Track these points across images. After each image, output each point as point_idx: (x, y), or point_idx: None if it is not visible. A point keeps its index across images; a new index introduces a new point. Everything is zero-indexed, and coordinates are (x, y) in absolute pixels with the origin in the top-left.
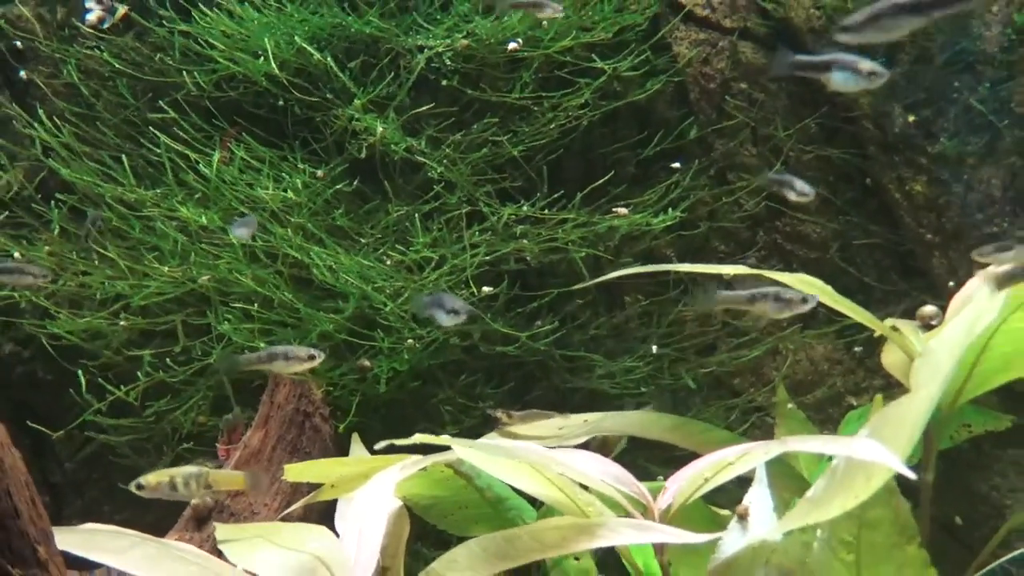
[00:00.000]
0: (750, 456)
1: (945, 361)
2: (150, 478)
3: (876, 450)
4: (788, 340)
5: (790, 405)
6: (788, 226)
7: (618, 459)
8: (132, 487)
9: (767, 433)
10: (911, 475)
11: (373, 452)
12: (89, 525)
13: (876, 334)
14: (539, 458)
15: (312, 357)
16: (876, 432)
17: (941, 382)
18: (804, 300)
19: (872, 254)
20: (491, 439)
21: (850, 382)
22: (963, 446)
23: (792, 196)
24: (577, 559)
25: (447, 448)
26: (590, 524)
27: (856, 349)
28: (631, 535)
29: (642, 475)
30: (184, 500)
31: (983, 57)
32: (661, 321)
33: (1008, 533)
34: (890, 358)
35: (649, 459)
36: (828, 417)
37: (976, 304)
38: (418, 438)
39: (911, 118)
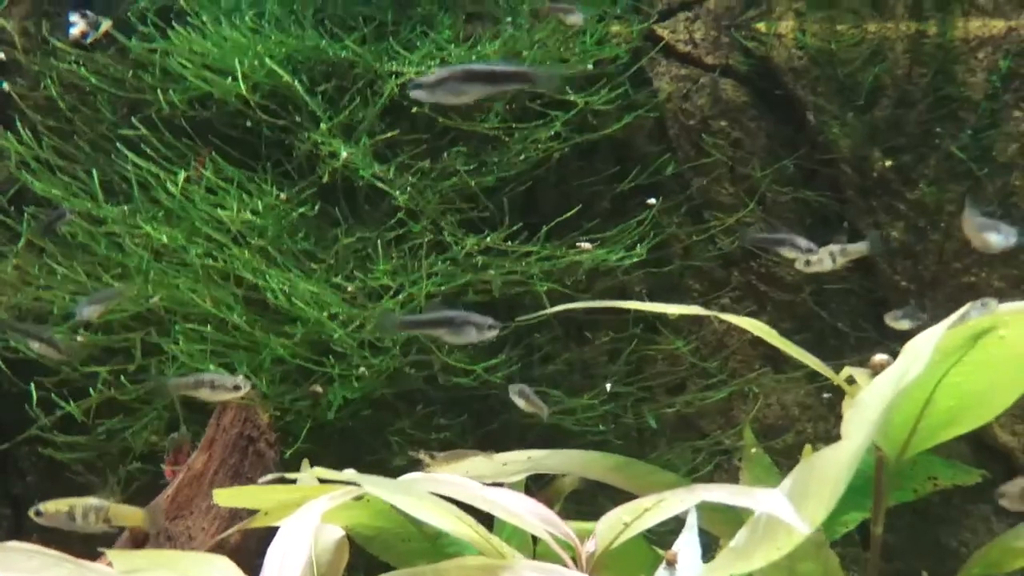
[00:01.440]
0: (667, 502)
1: (871, 412)
2: (49, 505)
3: (780, 506)
4: (758, 383)
5: (754, 449)
6: (763, 267)
7: (574, 497)
8: (31, 513)
9: (733, 476)
10: (805, 530)
11: (321, 481)
12: (11, 543)
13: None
14: (464, 493)
15: (237, 387)
16: (799, 483)
17: (867, 433)
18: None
19: (847, 299)
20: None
21: (820, 428)
22: (932, 500)
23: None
24: None
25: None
26: (493, 564)
27: (825, 396)
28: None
29: (601, 514)
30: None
31: (966, 103)
32: (629, 358)
33: None
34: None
35: (611, 498)
36: (796, 462)
37: (905, 355)
38: (317, 471)
39: (889, 163)
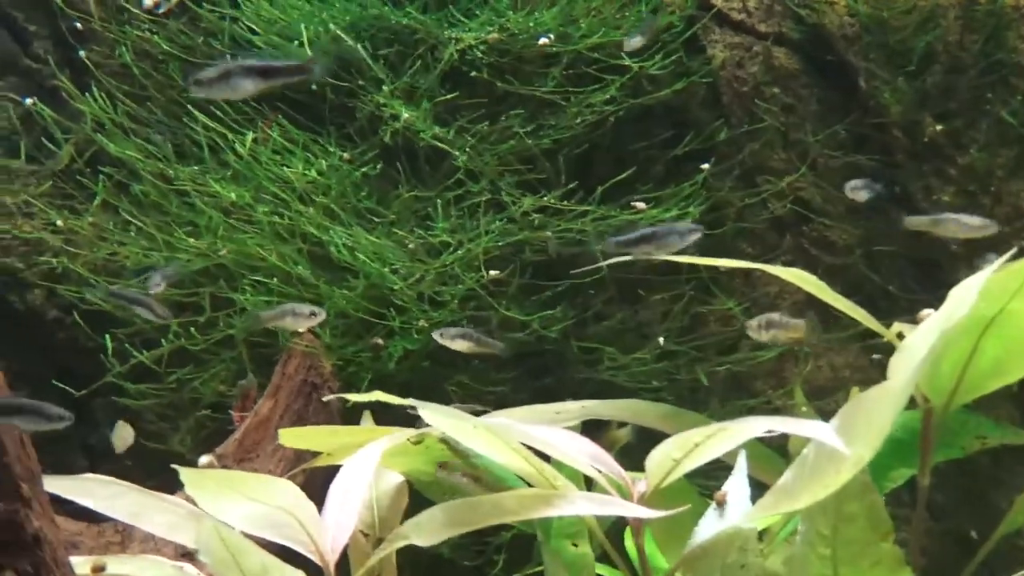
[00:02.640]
0: (718, 436)
1: (916, 352)
2: None
3: (828, 435)
4: (807, 345)
5: (805, 408)
6: (814, 231)
7: (624, 451)
8: None
9: (782, 436)
10: (846, 451)
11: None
12: (88, 475)
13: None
14: (516, 432)
15: (314, 314)
16: (846, 422)
17: (912, 372)
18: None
19: (896, 263)
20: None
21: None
22: (982, 459)
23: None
24: (575, 545)
25: None
26: (549, 494)
27: (875, 357)
28: (588, 507)
29: None
30: None
31: (1017, 69)
32: (681, 318)
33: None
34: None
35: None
36: None
37: (950, 301)
38: (377, 395)
39: (940, 127)
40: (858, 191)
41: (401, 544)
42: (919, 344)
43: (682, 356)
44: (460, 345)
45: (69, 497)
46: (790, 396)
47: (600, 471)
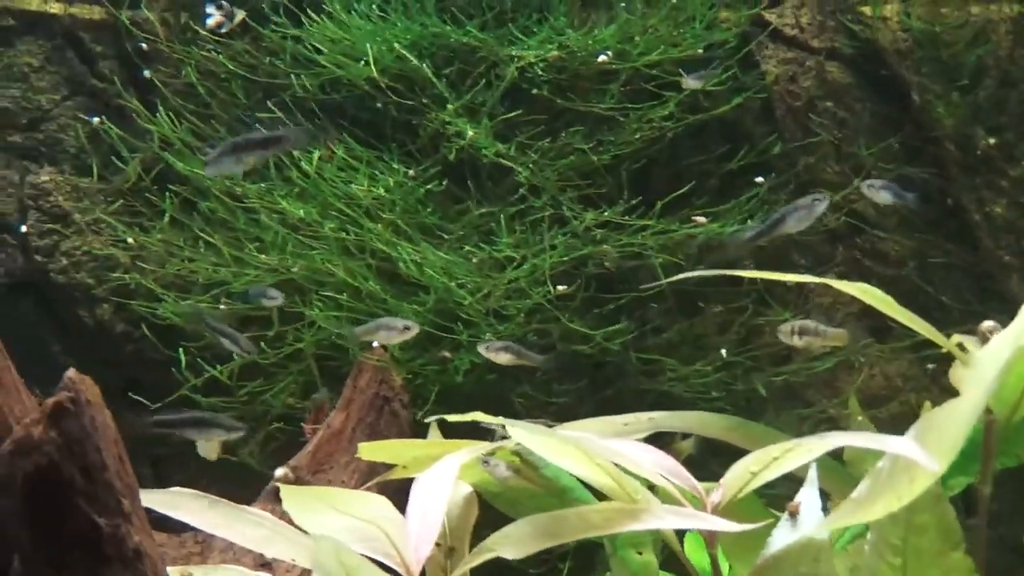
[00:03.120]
0: (795, 451)
1: (989, 369)
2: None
3: (909, 448)
4: (862, 354)
5: (860, 418)
6: (867, 243)
7: (688, 463)
8: None
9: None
10: (936, 467)
11: (448, 437)
12: (174, 488)
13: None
14: (589, 444)
15: (408, 328)
16: (920, 436)
17: (985, 389)
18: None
19: (950, 274)
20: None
21: (924, 399)
22: None
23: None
24: (640, 553)
25: None
26: (635, 509)
27: (929, 367)
28: (674, 520)
29: (713, 479)
30: None
31: None
32: (738, 330)
33: None
34: (956, 375)
35: (721, 464)
36: (899, 433)
37: (1021, 316)
38: (473, 415)
39: (993, 140)
40: (876, 191)
41: (488, 556)
42: (990, 359)
43: (739, 367)
44: (503, 359)
45: (162, 511)
46: (844, 405)
47: (675, 484)
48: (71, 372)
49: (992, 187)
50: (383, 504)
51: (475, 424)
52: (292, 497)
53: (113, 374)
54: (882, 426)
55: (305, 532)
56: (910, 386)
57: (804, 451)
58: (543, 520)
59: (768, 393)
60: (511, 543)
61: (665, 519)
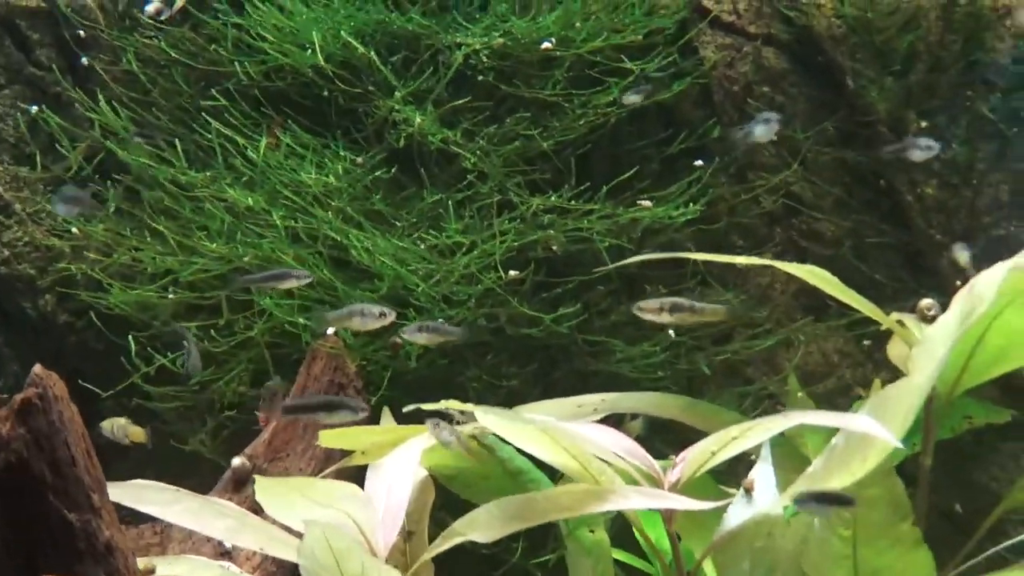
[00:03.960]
0: (755, 430)
1: (939, 347)
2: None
3: (870, 425)
4: (800, 332)
5: (800, 394)
6: (804, 224)
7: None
8: None
9: None
10: (899, 445)
11: (401, 423)
12: (137, 481)
13: (884, 327)
14: (555, 428)
15: (384, 315)
16: (874, 412)
17: (935, 367)
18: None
19: (884, 253)
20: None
21: (859, 374)
22: (965, 437)
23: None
24: (592, 531)
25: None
26: (602, 490)
27: (865, 343)
28: (640, 501)
29: (657, 456)
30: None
31: (995, 68)
32: None
33: (1003, 518)
34: (895, 351)
35: (665, 443)
36: (837, 407)
37: (971, 296)
38: (447, 404)
39: (924, 123)
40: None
41: (457, 541)
42: (940, 337)
43: (682, 346)
44: (422, 339)
45: (128, 504)
46: (784, 382)
47: (633, 464)
48: (38, 368)
49: (924, 169)
50: (352, 491)
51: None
52: (264, 487)
53: (56, 365)
54: (819, 401)
55: (270, 521)
56: (846, 362)
57: (763, 430)
58: (512, 503)
59: (710, 371)
60: (480, 527)
61: (632, 499)
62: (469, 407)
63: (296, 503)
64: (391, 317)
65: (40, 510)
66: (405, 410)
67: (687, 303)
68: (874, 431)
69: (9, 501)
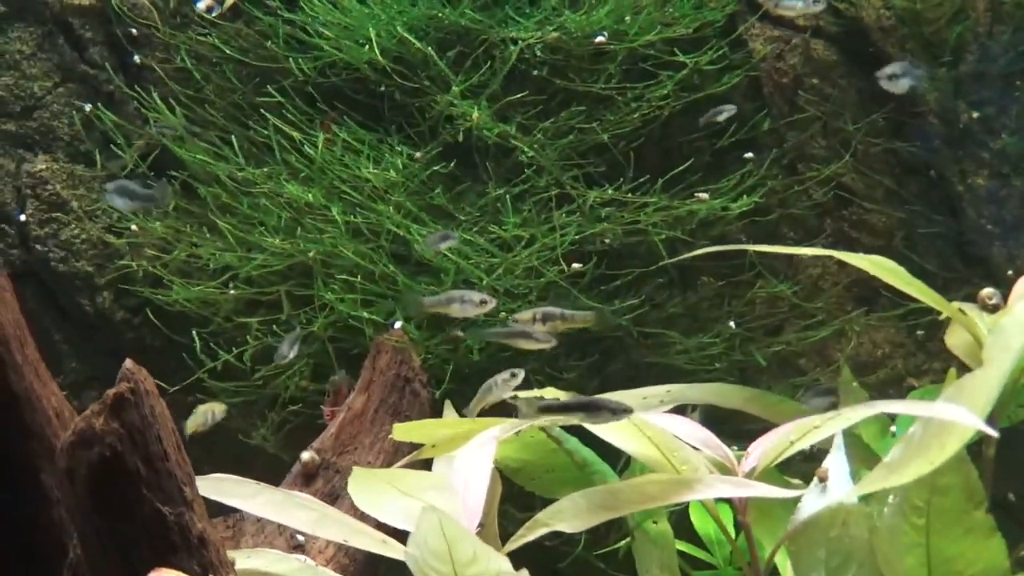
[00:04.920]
0: (836, 419)
1: (1016, 337)
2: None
3: (957, 411)
4: (853, 323)
5: (854, 384)
6: (855, 215)
7: None
8: None
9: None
10: (993, 433)
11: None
12: (218, 475)
13: (942, 316)
14: (640, 418)
15: (484, 302)
16: (951, 400)
17: (1013, 357)
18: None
19: (934, 243)
20: None
21: (911, 364)
22: (1019, 426)
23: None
24: (656, 523)
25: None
26: (688, 479)
27: (918, 333)
28: (726, 490)
29: None
30: None
31: None
32: (733, 303)
33: None
34: (954, 339)
35: (718, 433)
36: (889, 397)
37: None
38: (543, 392)
39: (975, 115)
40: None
41: (543, 531)
42: (1015, 327)
43: (736, 338)
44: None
45: (210, 496)
46: (836, 373)
47: (708, 454)
48: (129, 363)
49: (974, 159)
50: (438, 481)
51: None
52: (359, 481)
53: (113, 362)
54: (872, 392)
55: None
56: (898, 353)
57: (844, 419)
58: (597, 494)
59: (765, 363)
60: (567, 517)
61: (717, 488)
62: (558, 394)
63: (383, 492)
64: (492, 304)
65: (134, 504)
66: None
67: (557, 311)
68: (961, 417)
69: (104, 495)
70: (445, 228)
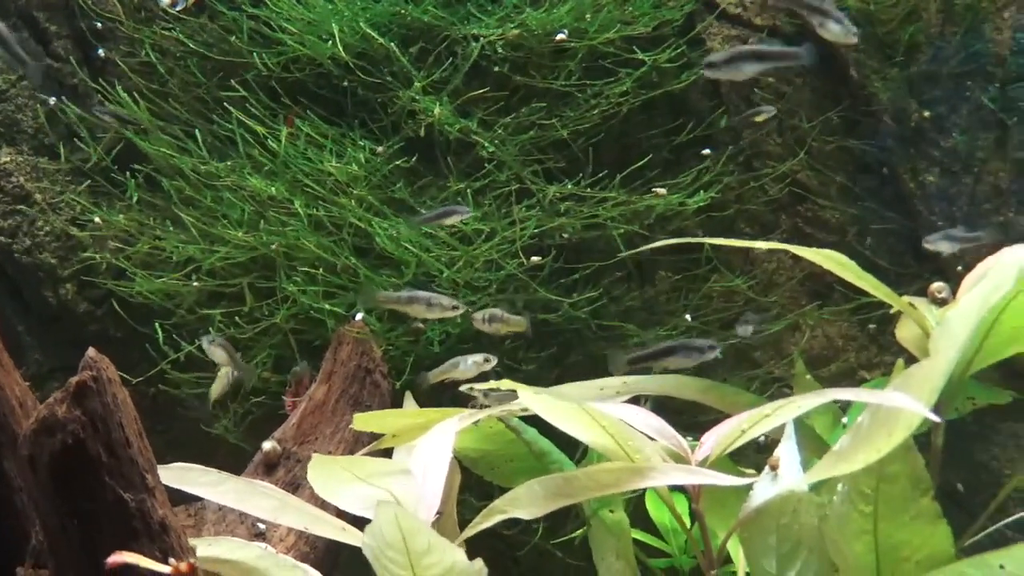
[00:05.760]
0: (787, 407)
1: (961, 329)
2: None
3: (904, 399)
4: (807, 317)
5: (808, 377)
6: (809, 211)
7: None
8: None
9: None
10: (937, 419)
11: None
12: (180, 464)
13: (893, 310)
14: (594, 407)
15: (456, 307)
16: (899, 390)
17: (958, 348)
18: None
19: (886, 239)
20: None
21: (863, 357)
22: (967, 418)
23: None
24: (612, 511)
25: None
26: (641, 467)
27: (870, 327)
28: (680, 477)
29: None
30: None
31: (994, 59)
32: (690, 296)
33: (1005, 497)
34: (905, 332)
35: (673, 424)
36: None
37: (990, 279)
38: (499, 383)
39: (926, 114)
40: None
41: (500, 518)
42: (960, 319)
43: (693, 331)
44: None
45: (174, 485)
46: (790, 366)
47: (663, 443)
48: (91, 352)
49: (925, 157)
50: (396, 467)
51: (442, 389)
52: (319, 468)
53: (76, 353)
54: (825, 384)
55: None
56: (851, 346)
57: (794, 407)
58: (553, 481)
59: (720, 355)
60: (523, 504)
61: (672, 476)
62: (516, 385)
63: (344, 480)
64: (462, 310)
65: (96, 490)
66: (463, 388)
67: (500, 314)
68: (908, 404)
69: (66, 482)
70: (407, 221)
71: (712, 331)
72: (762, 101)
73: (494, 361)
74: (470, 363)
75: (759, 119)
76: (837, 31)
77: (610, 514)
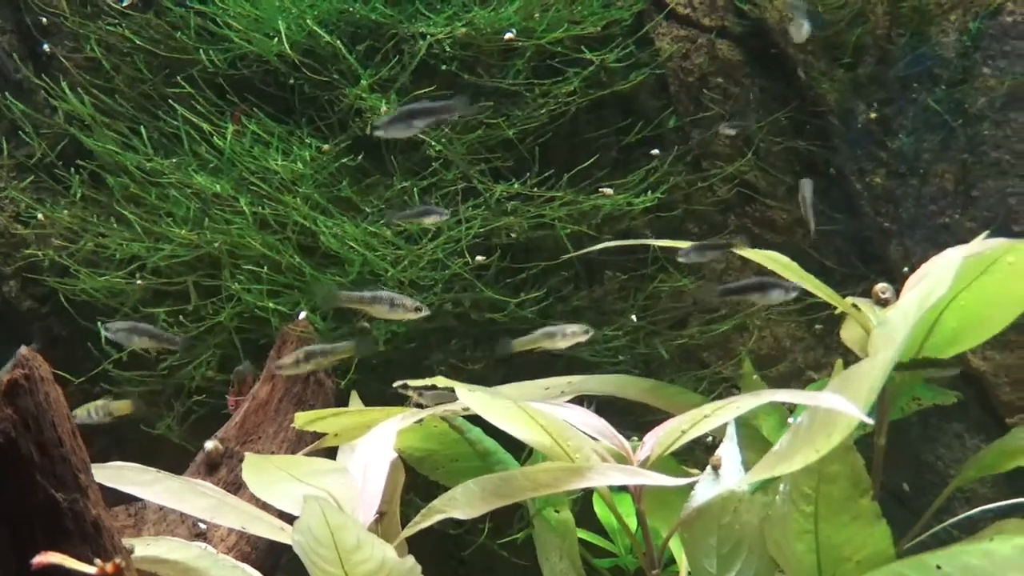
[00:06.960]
0: (726, 408)
1: (900, 329)
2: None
3: (839, 401)
4: (754, 317)
5: (755, 377)
6: (757, 212)
7: None
8: None
9: None
10: (869, 420)
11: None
12: (118, 463)
13: (837, 311)
14: (532, 407)
15: (419, 309)
16: (838, 391)
17: (897, 347)
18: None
19: (834, 240)
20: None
21: (810, 358)
22: (912, 419)
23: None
24: (557, 511)
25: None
26: (581, 467)
27: (817, 327)
28: (618, 477)
29: None
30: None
31: (940, 61)
32: (637, 296)
33: (950, 496)
34: (848, 333)
35: (620, 424)
36: (791, 387)
37: (928, 280)
38: (435, 380)
39: (873, 115)
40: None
41: (438, 518)
42: (900, 320)
43: (640, 331)
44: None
45: (108, 484)
46: (738, 366)
47: (604, 443)
48: (24, 350)
49: (872, 158)
50: (332, 467)
51: (394, 393)
52: (250, 464)
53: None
54: (773, 385)
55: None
56: (798, 346)
57: (734, 408)
58: (491, 481)
59: (668, 356)
60: (460, 504)
61: (610, 476)
62: (452, 383)
63: (279, 479)
64: (425, 312)
65: (28, 490)
66: (396, 384)
67: (319, 349)
68: (842, 407)
69: None
70: (352, 220)
71: (660, 331)
72: (711, 102)
73: (592, 332)
74: (568, 332)
75: (729, 132)
76: (805, 32)
77: (555, 514)
